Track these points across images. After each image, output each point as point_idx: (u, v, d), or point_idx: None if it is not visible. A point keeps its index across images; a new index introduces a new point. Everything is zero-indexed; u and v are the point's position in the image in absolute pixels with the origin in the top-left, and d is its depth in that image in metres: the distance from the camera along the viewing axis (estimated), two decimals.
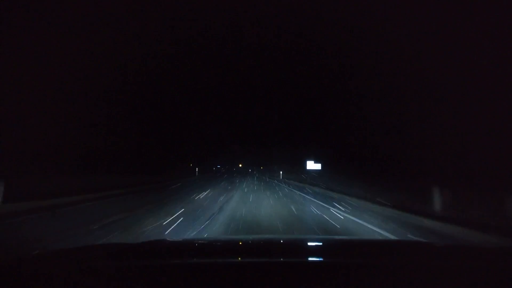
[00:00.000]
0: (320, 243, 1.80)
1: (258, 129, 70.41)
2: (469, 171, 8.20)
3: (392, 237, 4.48)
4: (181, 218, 5.44)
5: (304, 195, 11.96)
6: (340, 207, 7.79)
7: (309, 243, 1.81)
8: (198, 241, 1.96)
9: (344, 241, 1.99)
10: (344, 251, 1.47)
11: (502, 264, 1.11)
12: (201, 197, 9.68)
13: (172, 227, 4.70)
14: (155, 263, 1.12)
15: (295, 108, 34.15)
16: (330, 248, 1.57)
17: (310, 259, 1.26)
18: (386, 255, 1.31)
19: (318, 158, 20.42)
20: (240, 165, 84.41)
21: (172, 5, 21.07)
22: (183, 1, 21.85)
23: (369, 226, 5.24)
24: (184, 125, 40.69)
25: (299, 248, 1.55)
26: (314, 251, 1.52)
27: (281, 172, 29.50)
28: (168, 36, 24.36)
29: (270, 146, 48.84)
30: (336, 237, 3.35)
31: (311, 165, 20.12)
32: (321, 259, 1.25)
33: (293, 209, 7.25)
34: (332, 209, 7.29)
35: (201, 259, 1.21)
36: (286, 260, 1.16)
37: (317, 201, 9.41)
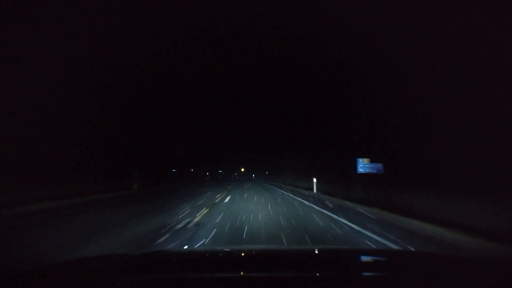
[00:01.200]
0: (333, 255, 1.70)
1: (261, 127, 60.07)
2: None
3: None
4: None
5: None
6: None
7: (319, 255, 1.69)
8: (201, 252, 1.91)
9: (354, 251, 1.91)
10: (356, 263, 1.43)
11: (497, 276, 1.08)
12: None
13: None
14: (157, 277, 1.10)
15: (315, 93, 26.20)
16: (343, 261, 1.51)
17: (320, 273, 1.16)
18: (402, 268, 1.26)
19: (375, 154, 12.37)
20: (242, 170, 74.99)
21: (176, 8, 19.28)
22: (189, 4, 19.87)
23: None
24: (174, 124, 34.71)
25: (308, 260, 1.49)
26: (326, 263, 1.43)
27: (314, 181, 20.25)
28: (175, 35, 23.08)
29: (281, 146, 37.00)
30: (346, 248, 3.30)
31: (366, 165, 12.10)
32: (335, 272, 1.17)
33: None
34: None
35: (205, 273, 1.17)
36: (293, 275, 1.10)
37: None
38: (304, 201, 12.57)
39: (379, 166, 11.99)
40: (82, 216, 8.42)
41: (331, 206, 10.48)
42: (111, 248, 4.60)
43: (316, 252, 1.79)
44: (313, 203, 11.41)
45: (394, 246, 4.63)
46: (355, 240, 5.17)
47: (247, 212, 8.76)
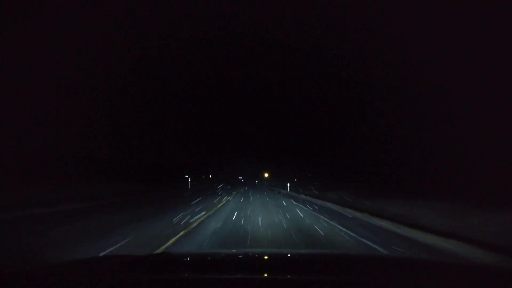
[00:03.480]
0: (327, 260, 1.68)
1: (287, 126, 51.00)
2: None
3: None
4: None
5: None
6: None
7: (315, 259, 1.71)
8: (208, 254, 2.01)
9: (348, 256, 1.97)
10: (350, 268, 1.42)
11: (493, 283, 1.07)
12: None
13: None
14: (166, 277, 1.09)
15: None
16: (337, 265, 1.50)
17: (316, 276, 1.16)
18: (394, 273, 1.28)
19: None
20: (266, 175, 52.74)
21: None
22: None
23: None
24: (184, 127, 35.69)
25: (306, 265, 1.51)
26: (321, 267, 1.42)
27: None
28: (183, 35, 23.87)
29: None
30: (341, 252, 3.42)
31: None
32: (329, 277, 1.17)
33: None
34: None
35: (211, 274, 1.19)
36: (295, 277, 1.14)
37: None
38: None
39: None
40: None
41: None
42: None
43: (314, 256, 1.95)
44: None
45: None
46: None
47: None
